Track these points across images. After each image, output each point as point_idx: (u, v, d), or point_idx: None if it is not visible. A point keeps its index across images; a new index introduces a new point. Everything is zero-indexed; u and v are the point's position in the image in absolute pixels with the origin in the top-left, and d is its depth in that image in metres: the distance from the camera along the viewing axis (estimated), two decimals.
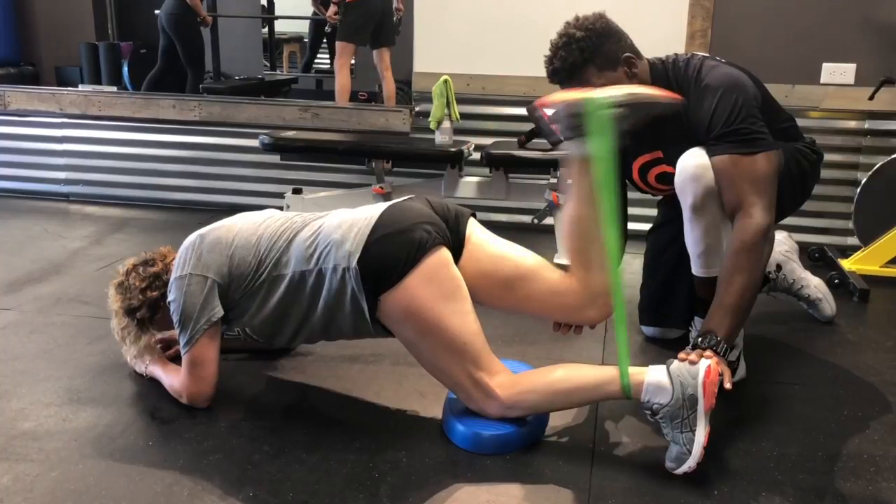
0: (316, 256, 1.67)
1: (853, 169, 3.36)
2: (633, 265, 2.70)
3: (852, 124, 3.35)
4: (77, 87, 5.29)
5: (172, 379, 1.82)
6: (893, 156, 3.03)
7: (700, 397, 1.48)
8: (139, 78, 5.55)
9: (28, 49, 5.53)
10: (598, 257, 1.68)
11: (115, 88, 5.28)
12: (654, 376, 1.54)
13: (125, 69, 5.65)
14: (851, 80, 3.32)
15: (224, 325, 1.77)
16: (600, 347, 2.23)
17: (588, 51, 1.76)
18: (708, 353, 1.57)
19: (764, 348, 2.23)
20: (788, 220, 2.08)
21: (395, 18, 4.98)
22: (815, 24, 3.31)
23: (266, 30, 6.68)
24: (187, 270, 1.72)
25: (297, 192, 3.26)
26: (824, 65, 3.34)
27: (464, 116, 3.25)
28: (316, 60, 7.30)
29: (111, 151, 3.99)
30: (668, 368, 1.54)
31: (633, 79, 1.82)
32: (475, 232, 1.77)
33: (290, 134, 3.33)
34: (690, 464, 1.49)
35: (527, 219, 3.22)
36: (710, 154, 1.77)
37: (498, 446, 1.61)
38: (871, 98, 3.07)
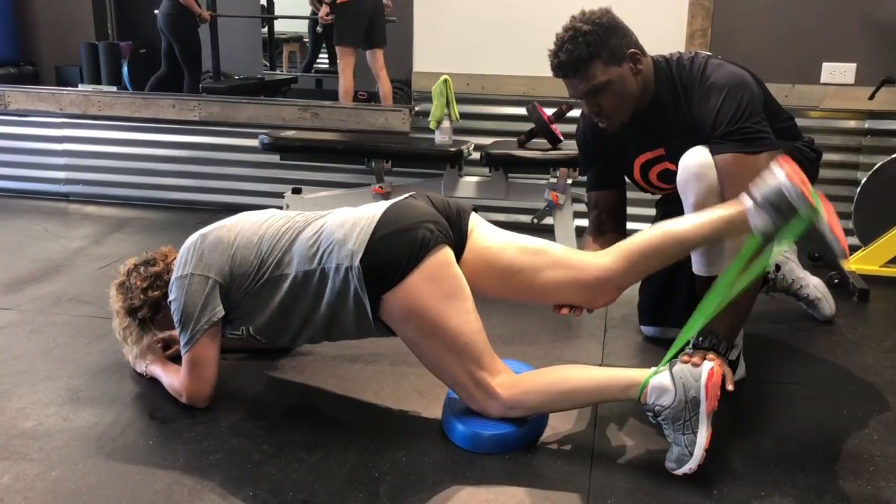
0: (318, 256, 1.67)
1: (853, 168, 3.36)
2: None
3: (852, 124, 3.35)
4: (77, 86, 5.29)
5: (172, 378, 1.82)
6: (893, 155, 3.02)
7: (702, 399, 1.48)
8: (139, 78, 5.54)
9: (28, 49, 5.52)
10: (649, 270, 1.70)
11: (114, 88, 5.28)
12: (656, 378, 1.54)
13: (125, 69, 5.65)
14: (851, 80, 3.32)
15: (226, 325, 1.77)
16: (600, 348, 2.23)
17: (594, 45, 1.76)
18: (711, 355, 1.57)
19: (764, 348, 2.23)
20: None
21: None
22: (815, 24, 3.32)
23: (266, 29, 6.68)
24: (188, 270, 1.72)
25: (296, 191, 3.26)
26: (824, 64, 3.34)
27: (463, 116, 3.25)
28: (319, 60, 7.30)
29: (111, 151, 3.99)
30: (670, 370, 1.54)
31: (637, 75, 1.82)
32: (477, 226, 1.77)
33: (290, 134, 3.33)
34: (691, 465, 1.49)
35: (526, 218, 3.22)
36: (714, 152, 1.76)
37: (497, 446, 1.61)
38: (871, 98, 3.07)
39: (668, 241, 1.67)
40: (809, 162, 1.98)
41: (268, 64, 6.71)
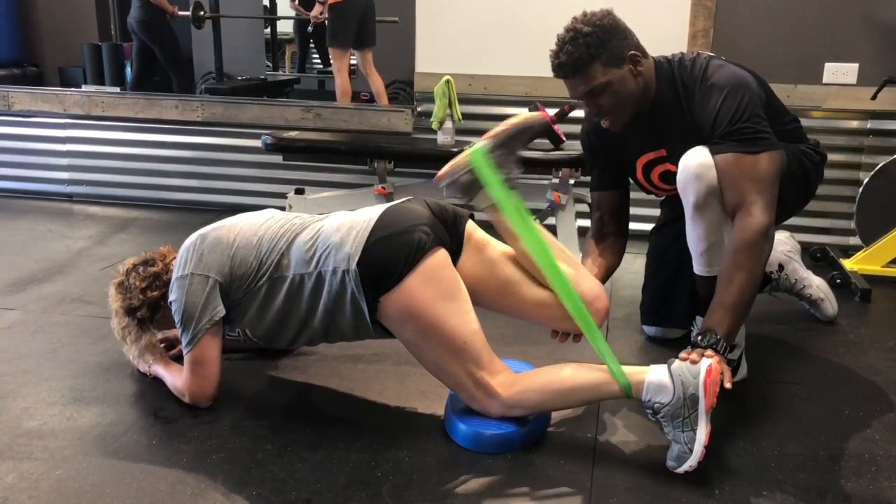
0: (315, 259, 1.67)
1: (855, 169, 3.36)
2: (634, 265, 2.70)
3: (854, 124, 3.35)
4: (80, 87, 5.30)
5: (175, 378, 1.83)
6: (895, 156, 3.02)
7: (701, 396, 1.49)
8: (143, 79, 5.55)
9: (31, 50, 5.53)
10: (567, 272, 1.71)
11: (118, 89, 5.28)
12: (655, 376, 1.54)
13: (128, 70, 5.66)
14: (854, 80, 3.32)
15: (226, 325, 1.77)
16: None
17: (594, 46, 1.77)
18: (709, 352, 1.57)
19: (766, 348, 2.23)
20: (790, 220, 2.08)
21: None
22: (818, 24, 3.31)
23: (268, 30, 6.68)
24: (189, 270, 1.73)
25: (299, 192, 3.26)
26: (826, 65, 3.34)
27: (466, 117, 3.26)
28: (315, 60, 7.31)
29: (114, 152, 4.00)
30: (669, 368, 1.54)
31: (637, 77, 1.83)
32: (474, 234, 1.77)
33: (293, 134, 3.34)
34: (691, 463, 1.49)
35: None
36: (714, 152, 1.77)
37: (499, 445, 1.62)
38: (874, 98, 3.06)
39: (523, 261, 1.75)
40: (813, 165, 1.98)
41: (270, 65, 6.72)
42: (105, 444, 1.64)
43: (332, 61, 4.71)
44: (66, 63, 5.66)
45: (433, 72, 3.49)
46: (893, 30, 3.26)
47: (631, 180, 2.10)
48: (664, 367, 1.55)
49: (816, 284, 2.42)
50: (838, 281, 2.76)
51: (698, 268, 1.91)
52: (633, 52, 1.81)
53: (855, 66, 3.31)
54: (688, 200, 1.82)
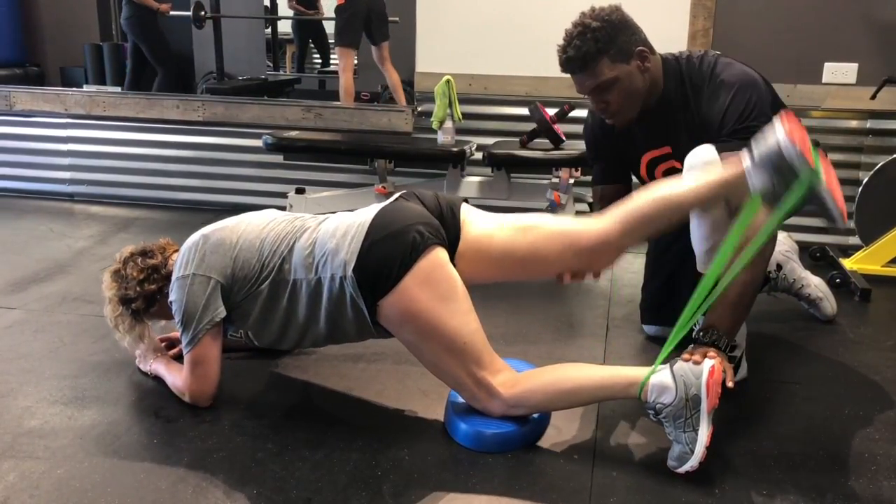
0: (314, 265, 1.67)
1: (855, 168, 3.36)
2: (634, 264, 2.71)
3: (854, 124, 3.35)
4: (81, 87, 5.31)
5: (175, 378, 1.83)
6: (895, 155, 3.03)
7: (703, 397, 1.49)
8: (143, 79, 5.56)
9: (33, 50, 5.54)
10: (647, 234, 1.68)
11: (119, 89, 5.29)
12: (657, 376, 1.54)
13: (129, 70, 5.66)
14: (853, 80, 3.32)
15: (228, 325, 1.78)
16: (602, 347, 2.24)
17: (603, 41, 1.76)
18: (712, 352, 1.57)
19: (765, 347, 2.23)
20: (790, 220, 2.08)
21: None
22: (817, 24, 3.31)
23: (269, 30, 6.69)
24: (190, 270, 1.73)
25: (300, 191, 3.27)
26: (826, 64, 3.34)
27: (466, 116, 3.26)
28: (315, 59, 7.31)
29: (115, 151, 4.00)
30: (671, 368, 1.54)
31: (645, 73, 1.82)
32: (469, 215, 1.76)
33: (293, 134, 3.35)
34: (693, 463, 1.49)
35: None
36: (720, 150, 1.76)
37: (500, 444, 1.62)
38: (873, 97, 3.07)
39: (665, 206, 1.64)
40: None
41: (271, 64, 6.72)
42: (106, 443, 1.64)
43: (337, 60, 4.72)
44: (68, 63, 5.67)
45: (433, 71, 3.50)
46: (893, 29, 3.26)
47: (634, 176, 2.10)
48: (666, 367, 1.55)
49: (815, 284, 2.42)
50: (838, 280, 2.76)
51: (701, 266, 1.91)
52: (641, 47, 1.81)
53: (854, 65, 3.31)
54: None
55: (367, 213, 1.70)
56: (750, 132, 1.74)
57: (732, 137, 1.75)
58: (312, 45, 7.26)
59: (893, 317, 2.58)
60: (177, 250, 1.87)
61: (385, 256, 1.60)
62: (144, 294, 1.82)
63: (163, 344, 2.04)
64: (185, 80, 5.57)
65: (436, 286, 1.60)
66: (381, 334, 1.70)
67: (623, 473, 1.57)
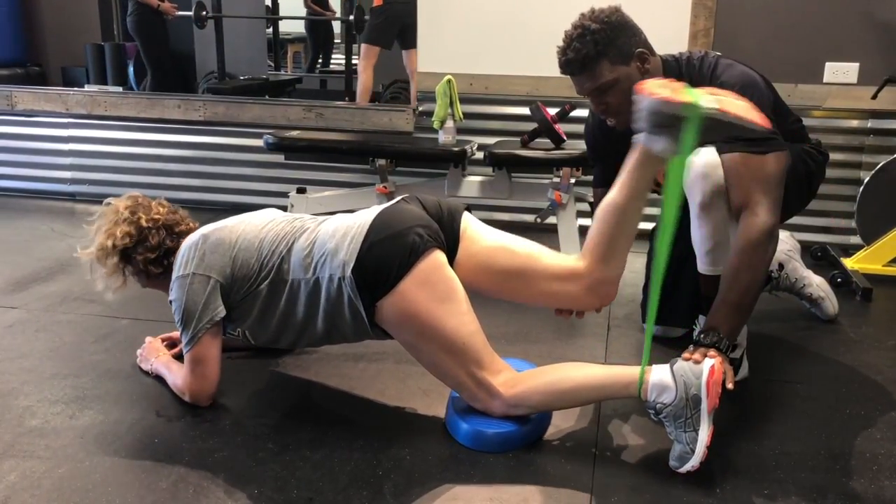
0: (313, 266, 1.67)
1: (856, 168, 3.36)
2: (635, 264, 2.70)
3: (855, 123, 3.34)
4: (83, 87, 5.31)
5: (176, 377, 1.83)
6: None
7: (703, 397, 1.49)
8: (144, 78, 5.56)
9: (34, 50, 5.54)
10: (621, 250, 1.69)
11: (120, 89, 5.29)
12: (657, 376, 1.54)
13: (130, 70, 5.66)
14: (854, 80, 3.32)
15: (227, 324, 1.78)
16: (603, 346, 2.24)
17: (602, 43, 1.76)
18: (712, 352, 1.57)
19: (766, 347, 2.23)
20: (791, 219, 2.09)
21: None
22: (818, 23, 3.31)
23: (270, 30, 6.69)
24: (190, 270, 1.73)
25: (301, 191, 3.27)
26: (827, 64, 3.34)
27: (467, 116, 3.26)
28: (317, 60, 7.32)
29: (117, 151, 4.01)
30: (671, 368, 1.54)
31: (645, 74, 1.82)
32: (469, 226, 1.77)
33: (294, 134, 3.34)
34: (693, 463, 1.49)
35: (530, 218, 3.23)
36: (721, 151, 1.76)
37: (501, 444, 1.62)
38: (874, 97, 3.07)
39: (612, 214, 1.69)
40: (816, 165, 1.98)
41: (272, 64, 6.72)
42: (107, 443, 1.64)
43: (360, 59, 4.74)
44: (69, 63, 5.67)
45: (434, 71, 3.50)
46: (894, 29, 3.25)
47: None
48: (666, 367, 1.55)
49: (817, 283, 2.42)
50: (839, 280, 2.76)
51: (702, 266, 1.91)
52: (641, 49, 1.81)
53: (855, 65, 3.31)
54: (694, 200, 1.82)
55: (367, 215, 1.70)
56: (750, 133, 1.74)
57: (732, 139, 1.75)
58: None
59: (894, 316, 2.58)
60: (192, 229, 1.87)
61: (384, 257, 1.60)
62: (148, 240, 1.80)
63: (163, 343, 2.04)
64: (186, 79, 5.56)
65: (434, 287, 1.60)
66: (378, 336, 1.70)
67: (624, 473, 1.57)
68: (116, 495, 1.45)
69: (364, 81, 4.66)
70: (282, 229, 1.77)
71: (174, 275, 1.76)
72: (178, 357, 1.94)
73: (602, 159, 2.10)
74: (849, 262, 2.92)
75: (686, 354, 1.57)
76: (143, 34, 5.20)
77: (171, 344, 2.05)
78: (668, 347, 2.19)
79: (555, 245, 2.95)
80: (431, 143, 3.21)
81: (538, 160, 2.99)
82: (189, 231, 1.86)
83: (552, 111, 3.01)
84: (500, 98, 3.60)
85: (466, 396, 1.67)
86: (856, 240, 3.20)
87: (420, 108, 3.66)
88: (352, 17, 5.34)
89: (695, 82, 1.84)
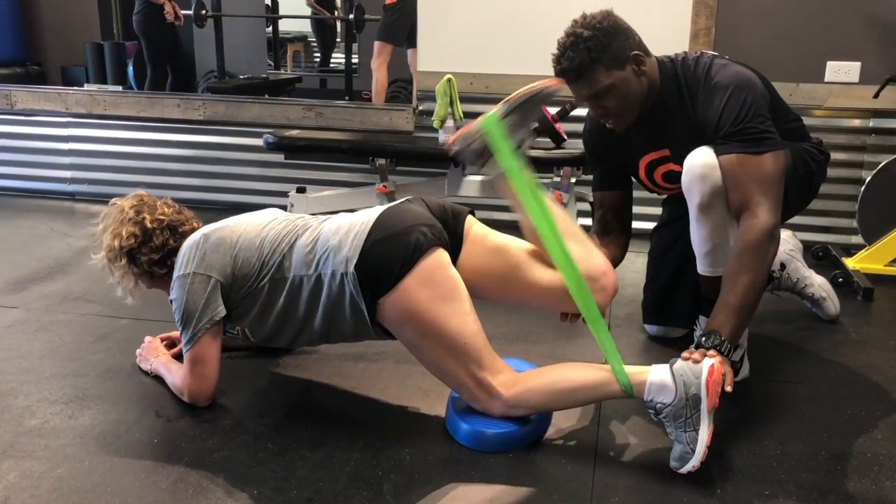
0: (315, 262, 1.67)
1: (857, 167, 3.35)
2: (636, 264, 2.70)
3: (857, 123, 3.34)
4: (83, 86, 5.31)
5: (175, 377, 1.83)
6: None
7: (703, 397, 1.48)
8: (143, 77, 5.56)
9: (34, 49, 5.53)
10: (578, 242, 1.71)
11: (120, 88, 5.29)
12: (657, 375, 1.54)
13: (130, 69, 5.66)
14: (856, 79, 3.31)
15: (227, 322, 1.77)
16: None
17: (596, 50, 1.76)
18: (711, 352, 1.57)
19: (768, 347, 2.22)
20: (792, 219, 2.08)
21: None
22: (820, 23, 3.31)
23: (270, 29, 6.69)
24: (191, 269, 1.72)
25: (300, 190, 3.27)
26: (828, 63, 3.33)
27: (467, 115, 3.25)
28: (314, 58, 7.31)
29: (116, 150, 4.00)
30: (671, 367, 1.54)
31: (641, 76, 1.82)
32: (473, 228, 1.77)
33: (294, 133, 3.34)
34: (694, 463, 1.49)
35: None
36: (718, 153, 1.76)
37: (501, 444, 1.62)
38: (876, 96, 3.06)
39: (528, 233, 1.74)
40: (817, 164, 1.97)
41: (272, 63, 6.72)
42: (106, 443, 1.64)
43: (374, 57, 4.75)
44: (69, 62, 5.67)
45: (434, 70, 3.49)
46: (895, 28, 3.25)
47: (633, 179, 2.09)
48: (666, 366, 1.55)
49: (818, 283, 2.42)
50: (840, 280, 2.75)
51: (702, 268, 1.90)
52: (635, 52, 1.80)
53: (857, 64, 3.30)
54: (692, 201, 1.82)
55: (371, 213, 1.70)
56: (746, 133, 1.73)
57: (728, 139, 1.74)
58: (314, 44, 7.26)
59: None
60: (196, 229, 1.86)
61: (387, 255, 1.60)
62: (153, 238, 1.80)
63: (163, 343, 2.04)
64: (186, 78, 5.55)
65: (437, 286, 1.60)
66: (378, 335, 1.69)
67: (624, 473, 1.56)
68: (116, 495, 1.45)
69: (380, 80, 4.68)
70: (283, 228, 1.77)
71: (175, 274, 1.76)
72: (178, 357, 1.94)
73: (601, 162, 2.10)
74: (850, 262, 2.91)
75: (685, 354, 1.57)
76: (147, 33, 5.20)
77: (171, 343, 2.04)
78: (667, 347, 2.19)
79: None
80: (431, 143, 3.21)
81: (539, 160, 2.99)
82: (193, 231, 1.85)
83: (552, 110, 3.00)
84: (501, 97, 3.58)
85: (466, 396, 1.67)
86: (857, 239, 3.20)
87: (420, 108, 3.65)
88: (352, 17, 5.34)
89: (690, 83, 1.84)
